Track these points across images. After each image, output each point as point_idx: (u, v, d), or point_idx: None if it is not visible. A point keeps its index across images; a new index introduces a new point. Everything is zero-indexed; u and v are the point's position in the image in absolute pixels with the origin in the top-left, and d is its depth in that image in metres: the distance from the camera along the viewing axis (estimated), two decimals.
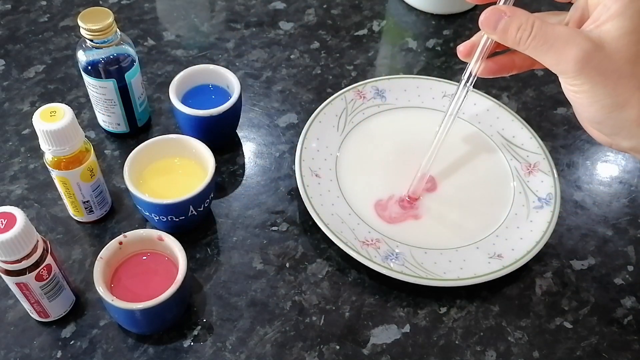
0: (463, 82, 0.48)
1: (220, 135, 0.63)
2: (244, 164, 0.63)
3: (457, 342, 0.50)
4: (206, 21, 0.78)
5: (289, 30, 0.77)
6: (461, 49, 0.46)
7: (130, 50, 0.57)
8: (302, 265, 0.54)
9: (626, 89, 0.38)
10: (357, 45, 0.76)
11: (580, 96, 0.39)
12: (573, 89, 0.39)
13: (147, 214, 0.53)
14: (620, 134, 0.40)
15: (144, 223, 0.56)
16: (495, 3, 0.43)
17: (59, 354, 0.48)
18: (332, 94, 0.65)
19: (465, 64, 0.47)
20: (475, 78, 0.47)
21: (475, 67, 0.46)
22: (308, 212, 0.55)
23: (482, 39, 0.45)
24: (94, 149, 0.51)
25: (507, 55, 0.46)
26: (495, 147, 0.63)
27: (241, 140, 0.65)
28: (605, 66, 0.38)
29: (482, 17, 0.41)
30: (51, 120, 0.46)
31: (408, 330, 0.51)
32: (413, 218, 0.57)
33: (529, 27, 0.39)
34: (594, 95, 0.39)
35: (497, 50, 0.46)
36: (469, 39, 0.46)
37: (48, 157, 0.49)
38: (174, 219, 0.52)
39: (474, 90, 0.66)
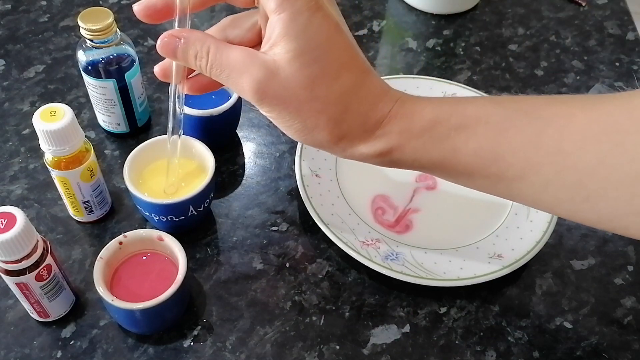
0: (171, 103, 0.43)
1: (220, 135, 0.63)
2: (244, 164, 0.63)
3: (457, 342, 0.50)
4: (206, 21, 0.78)
5: None
6: (157, 70, 0.41)
7: (130, 50, 0.57)
8: (302, 265, 0.54)
9: (310, 113, 0.37)
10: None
11: (275, 122, 0.38)
12: (267, 115, 0.38)
13: (147, 214, 0.53)
14: (326, 150, 0.40)
15: (144, 223, 0.56)
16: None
17: (59, 354, 0.48)
18: None
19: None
20: (184, 97, 0.43)
21: (179, 87, 0.42)
22: (308, 212, 0.55)
23: (173, 62, 0.41)
24: (94, 149, 0.51)
25: None
26: None
27: (241, 140, 0.65)
28: (282, 94, 0.36)
29: (159, 43, 0.38)
30: (51, 120, 0.46)
31: (408, 330, 0.51)
32: (410, 222, 0.57)
33: (205, 54, 0.37)
34: (284, 121, 0.38)
35: None
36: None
37: (48, 157, 0.49)
38: (174, 219, 0.52)
39: (474, 90, 0.66)
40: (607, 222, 0.36)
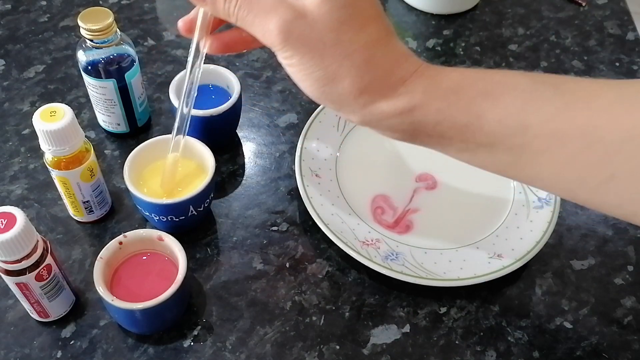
0: (190, 61, 0.44)
1: (220, 135, 0.63)
2: (244, 164, 0.63)
3: (457, 342, 0.50)
4: None
5: None
6: (180, 24, 0.42)
7: (130, 50, 0.57)
8: (302, 265, 0.54)
9: (333, 58, 0.36)
10: None
11: (293, 70, 0.38)
12: (286, 63, 0.38)
13: (147, 214, 0.53)
14: (343, 109, 0.39)
15: (144, 223, 0.56)
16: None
17: (59, 354, 0.48)
18: None
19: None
20: (204, 56, 0.43)
21: (201, 43, 0.42)
22: (308, 212, 0.55)
23: (199, 13, 0.41)
24: (94, 149, 0.51)
25: (233, 30, 0.41)
26: None
27: (241, 140, 0.65)
28: (308, 36, 0.36)
29: None
30: (51, 120, 0.46)
31: (408, 330, 0.51)
32: (410, 222, 0.57)
33: None
34: (305, 68, 0.37)
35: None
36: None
37: (48, 157, 0.49)
38: (174, 219, 0.52)
39: None
40: (628, 205, 0.35)
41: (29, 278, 0.44)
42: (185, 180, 0.54)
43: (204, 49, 0.43)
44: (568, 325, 0.52)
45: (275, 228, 0.57)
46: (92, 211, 0.55)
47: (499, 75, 0.38)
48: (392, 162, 0.62)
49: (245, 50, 0.43)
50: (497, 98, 0.36)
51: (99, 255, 0.47)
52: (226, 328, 0.50)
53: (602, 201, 0.36)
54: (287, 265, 0.54)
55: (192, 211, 0.52)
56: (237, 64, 0.72)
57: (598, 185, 0.35)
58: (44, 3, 0.79)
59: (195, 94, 0.46)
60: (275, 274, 0.54)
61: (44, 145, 0.48)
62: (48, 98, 0.67)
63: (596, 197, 0.36)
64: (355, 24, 0.36)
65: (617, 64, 0.75)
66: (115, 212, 0.57)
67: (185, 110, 0.48)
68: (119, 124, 0.61)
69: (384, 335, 0.50)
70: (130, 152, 0.53)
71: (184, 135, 0.49)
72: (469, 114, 0.37)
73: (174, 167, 0.52)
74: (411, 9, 0.81)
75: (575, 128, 0.35)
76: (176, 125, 0.49)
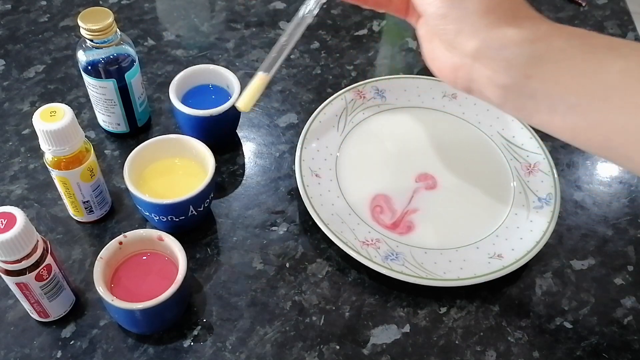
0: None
1: (220, 135, 0.63)
2: (244, 164, 0.63)
3: (457, 342, 0.50)
4: (206, 21, 0.78)
5: None
6: None
7: (130, 50, 0.57)
8: (302, 265, 0.54)
9: None
10: (357, 45, 0.76)
11: None
12: None
13: (147, 214, 0.53)
14: (464, 29, 0.39)
15: (144, 223, 0.56)
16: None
17: (59, 354, 0.48)
18: (332, 94, 0.65)
19: None
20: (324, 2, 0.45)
21: None
22: (308, 212, 0.55)
23: None
24: (94, 149, 0.51)
25: None
26: (495, 147, 0.63)
27: (241, 140, 0.65)
28: None
29: None
30: (51, 120, 0.46)
31: (408, 330, 0.51)
32: (411, 223, 0.57)
33: None
34: None
35: None
36: None
37: (48, 157, 0.49)
38: (174, 219, 0.52)
39: None
40: None
41: (29, 278, 0.44)
42: (185, 180, 0.54)
43: None
44: (568, 325, 0.52)
45: (275, 228, 0.57)
46: (92, 211, 0.55)
47: (619, 38, 0.38)
48: (392, 162, 0.62)
49: (369, 8, 0.45)
50: (619, 50, 0.37)
51: (99, 255, 0.47)
52: (226, 328, 0.50)
53: None
54: (287, 265, 0.54)
55: (192, 211, 0.52)
56: (237, 64, 0.72)
57: None
58: (44, 3, 0.79)
59: (300, 34, 0.47)
60: (275, 274, 0.54)
61: (44, 145, 0.48)
62: (48, 98, 0.67)
63: None
64: None
65: None
66: (115, 212, 0.57)
67: (284, 41, 0.48)
68: (119, 124, 0.61)
69: (384, 335, 0.50)
70: (130, 152, 0.53)
71: (278, 62, 0.49)
72: (590, 60, 0.37)
73: (261, 87, 0.49)
74: None
75: None
76: (279, 43, 0.48)
